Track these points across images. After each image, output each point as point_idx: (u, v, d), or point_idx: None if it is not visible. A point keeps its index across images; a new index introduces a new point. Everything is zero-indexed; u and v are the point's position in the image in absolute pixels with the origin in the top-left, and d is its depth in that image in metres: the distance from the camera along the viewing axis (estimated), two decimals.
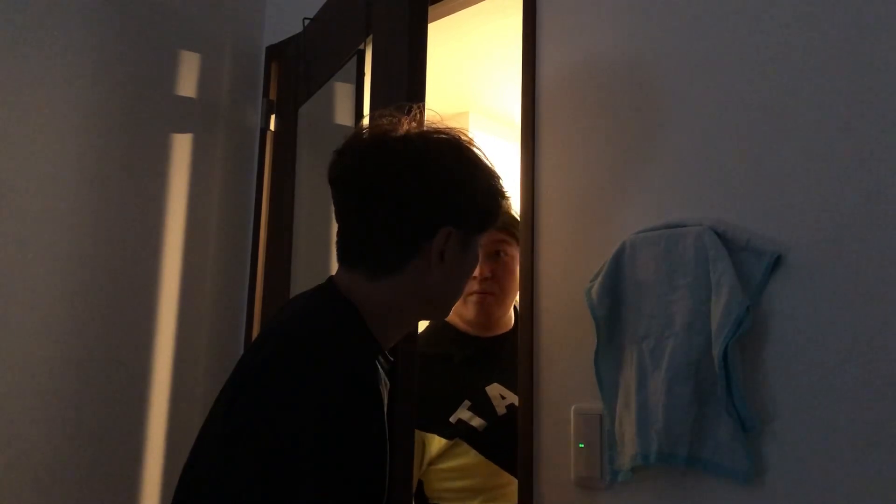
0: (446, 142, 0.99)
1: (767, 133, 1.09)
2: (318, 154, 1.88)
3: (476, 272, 1.44)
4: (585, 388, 1.21)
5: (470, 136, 1.02)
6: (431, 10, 1.57)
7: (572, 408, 1.24)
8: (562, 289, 1.29)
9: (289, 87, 1.96)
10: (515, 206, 1.46)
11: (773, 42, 1.10)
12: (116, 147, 1.73)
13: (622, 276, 1.17)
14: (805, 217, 1.03)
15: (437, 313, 1.06)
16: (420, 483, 1.45)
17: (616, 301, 1.18)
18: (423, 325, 1.63)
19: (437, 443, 1.44)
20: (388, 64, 1.35)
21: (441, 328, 1.60)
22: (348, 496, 0.80)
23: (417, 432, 1.35)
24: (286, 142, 1.93)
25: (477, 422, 1.45)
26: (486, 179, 1.00)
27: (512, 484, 1.41)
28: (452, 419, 1.45)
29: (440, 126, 1.00)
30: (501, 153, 2.70)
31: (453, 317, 1.59)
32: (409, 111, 1.01)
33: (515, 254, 1.53)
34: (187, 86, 1.90)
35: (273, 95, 2.06)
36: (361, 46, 1.52)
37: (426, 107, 1.09)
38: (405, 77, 1.24)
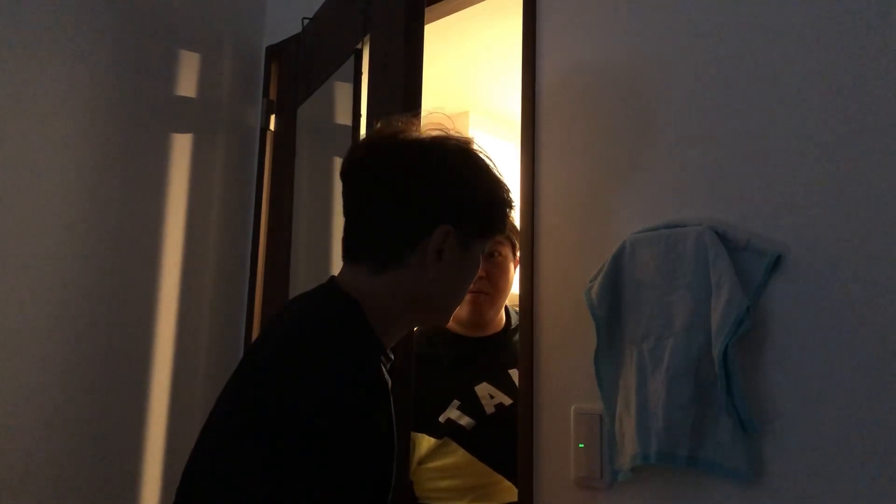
0: (454, 145, 1.00)
1: (767, 133, 1.09)
2: (317, 153, 1.88)
3: None
4: (585, 388, 1.21)
5: (481, 146, 1.03)
6: (431, 10, 1.57)
7: (572, 408, 1.24)
8: (562, 289, 1.29)
9: (289, 87, 1.97)
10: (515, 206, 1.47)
11: (773, 42, 1.10)
12: (117, 147, 1.74)
13: (622, 276, 1.17)
14: (805, 217, 1.03)
15: (438, 317, 1.05)
16: (410, 484, 1.45)
17: (616, 301, 1.17)
18: None
19: (426, 442, 1.44)
20: (386, 63, 1.35)
21: (432, 328, 1.61)
22: (355, 492, 0.80)
23: None
24: (286, 142, 1.93)
25: (465, 421, 1.45)
26: (490, 186, 1.01)
27: (501, 483, 1.41)
28: (442, 419, 1.46)
29: (453, 133, 1.02)
30: (501, 153, 2.70)
31: None
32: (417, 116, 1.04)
33: (509, 254, 1.59)
34: (187, 86, 1.91)
35: (273, 95, 2.06)
36: (359, 46, 1.52)
37: (430, 108, 1.10)
38: (402, 76, 1.25)
